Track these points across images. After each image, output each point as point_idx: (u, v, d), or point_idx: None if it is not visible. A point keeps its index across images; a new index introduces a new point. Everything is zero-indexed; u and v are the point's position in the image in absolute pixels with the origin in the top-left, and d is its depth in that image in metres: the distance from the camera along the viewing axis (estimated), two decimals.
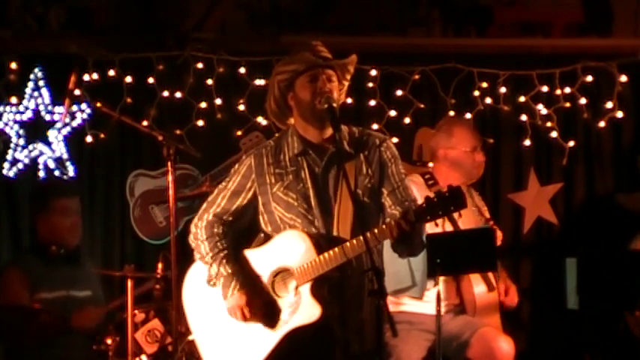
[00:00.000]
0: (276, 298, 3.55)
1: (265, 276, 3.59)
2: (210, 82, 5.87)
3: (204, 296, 3.72)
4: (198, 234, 3.69)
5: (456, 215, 4.54)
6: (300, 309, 3.47)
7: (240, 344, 3.60)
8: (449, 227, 4.66)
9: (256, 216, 3.67)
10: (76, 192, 5.04)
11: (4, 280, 4.79)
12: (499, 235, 4.83)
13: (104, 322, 4.89)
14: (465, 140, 4.89)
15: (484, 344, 4.65)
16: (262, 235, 3.67)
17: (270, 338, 3.52)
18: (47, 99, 5.87)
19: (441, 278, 4.55)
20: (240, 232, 3.72)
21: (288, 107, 3.64)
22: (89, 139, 5.85)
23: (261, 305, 3.55)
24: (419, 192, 4.58)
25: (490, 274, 4.82)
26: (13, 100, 5.85)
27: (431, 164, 5.18)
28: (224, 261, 3.61)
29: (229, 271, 3.59)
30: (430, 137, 5.11)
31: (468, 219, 4.83)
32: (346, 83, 3.66)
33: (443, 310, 4.65)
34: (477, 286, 4.77)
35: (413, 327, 4.66)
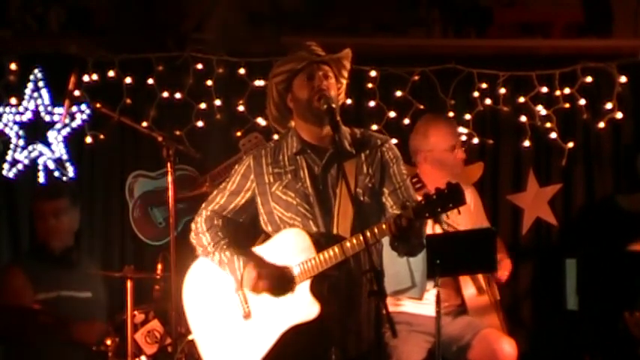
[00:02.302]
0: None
1: None
2: (209, 82, 5.87)
3: (205, 295, 3.73)
4: (199, 228, 3.71)
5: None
6: (299, 307, 3.47)
7: (239, 342, 3.60)
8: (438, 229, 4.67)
9: (256, 216, 3.67)
10: (57, 194, 5.00)
11: (6, 279, 4.80)
12: None
13: (105, 335, 4.89)
14: (442, 141, 4.88)
15: (486, 346, 4.64)
16: (263, 235, 3.67)
17: (269, 336, 3.52)
18: (47, 100, 5.87)
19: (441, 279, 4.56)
20: (241, 231, 3.72)
21: (288, 110, 3.65)
22: (89, 139, 5.85)
23: (273, 270, 3.53)
24: None
25: (480, 278, 4.82)
26: (13, 100, 5.85)
27: None
28: (224, 247, 3.62)
29: (229, 256, 3.60)
30: (411, 139, 5.06)
31: (463, 218, 4.83)
32: (344, 81, 3.66)
33: (442, 311, 4.66)
34: (467, 290, 4.78)
35: (412, 328, 4.66)
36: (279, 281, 3.50)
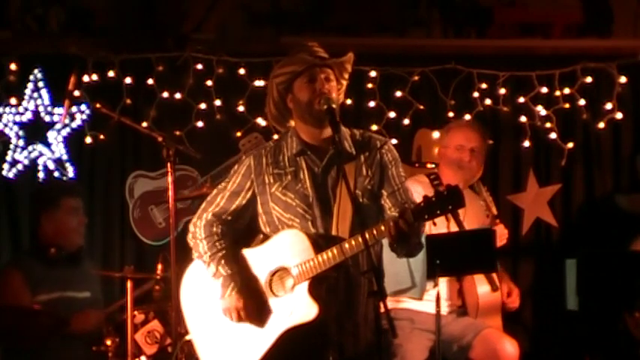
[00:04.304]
0: (273, 297, 3.55)
1: (263, 275, 3.59)
2: (209, 83, 5.87)
3: (202, 296, 3.72)
4: (197, 233, 3.69)
5: (462, 212, 4.58)
6: (297, 308, 3.47)
7: (237, 343, 3.60)
8: (453, 226, 4.67)
9: (255, 217, 3.67)
10: (82, 193, 5.06)
11: (3, 281, 4.79)
12: (505, 232, 4.84)
13: (103, 325, 4.88)
14: (453, 138, 4.92)
15: (488, 346, 4.64)
16: (261, 236, 3.67)
17: (267, 337, 3.52)
18: (47, 100, 5.87)
19: (444, 279, 4.55)
20: (240, 232, 3.72)
21: (288, 110, 3.64)
22: (89, 140, 5.85)
23: (255, 308, 3.55)
24: (425, 191, 4.59)
25: (494, 275, 4.81)
26: (13, 101, 5.85)
27: (429, 165, 5.20)
28: (222, 261, 3.61)
29: (228, 272, 3.59)
30: (430, 138, 5.14)
31: (473, 217, 4.84)
32: (345, 83, 3.66)
33: (446, 309, 4.66)
34: (481, 287, 4.77)
35: (415, 326, 4.65)
36: (256, 318, 3.54)
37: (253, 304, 3.55)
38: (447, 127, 5.06)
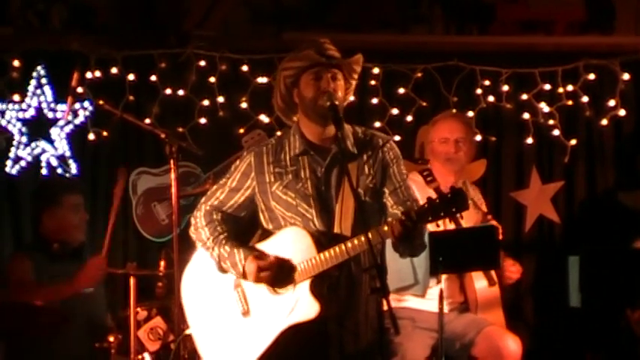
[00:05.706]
0: (274, 294, 3.55)
1: None
2: (212, 79, 5.87)
3: (203, 291, 3.73)
4: (198, 223, 3.70)
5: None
6: (298, 306, 3.47)
7: (237, 340, 3.60)
8: (449, 225, 4.67)
9: (256, 213, 3.67)
10: (83, 189, 5.08)
11: (15, 263, 4.83)
12: (498, 228, 4.84)
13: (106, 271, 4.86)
14: (437, 131, 4.91)
15: (490, 343, 4.63)
16: (260, 231, 3.67)
17: (267, 334, 3.53)
18: (50, 96, 5.87)
19: (445, 276, 4.56)
20: (241, 228, 3.72)
21: (294, 104, 3.64)
22: (91, 136, 5.85)
23: (273, 261, 3.51)
24: (418, 190, 4.59)
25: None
26: (16, 97, 5.84)
27: None
28: (223, 242, 3.61)
29: (228, 250, 3.58)
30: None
31: (469, 215, 4.83)
32: (354, 82, 3.65)
33: (446, 308, 4.66)
34: (478, 282, 4.78)
35: (416, 324, 4.65)
36: (280, 272, 3.50)
37: (269, 261, 3.50)
38: (432, 120, 5.04)
